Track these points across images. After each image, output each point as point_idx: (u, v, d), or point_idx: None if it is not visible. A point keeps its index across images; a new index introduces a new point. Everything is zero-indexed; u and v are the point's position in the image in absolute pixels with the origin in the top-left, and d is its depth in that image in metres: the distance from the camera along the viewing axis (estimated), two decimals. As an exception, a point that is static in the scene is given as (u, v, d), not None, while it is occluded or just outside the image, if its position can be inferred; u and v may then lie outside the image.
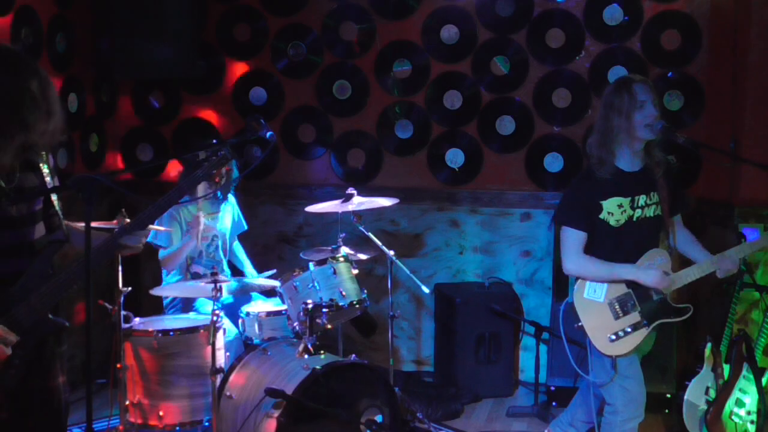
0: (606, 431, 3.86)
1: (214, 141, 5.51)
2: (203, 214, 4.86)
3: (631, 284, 3.78)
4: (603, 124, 3.77)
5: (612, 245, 3.77)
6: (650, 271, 3.72)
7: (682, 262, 3.97)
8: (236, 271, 5.28)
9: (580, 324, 3.76)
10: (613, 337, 3.74)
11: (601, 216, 3.75)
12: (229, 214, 5.14)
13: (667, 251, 3.85)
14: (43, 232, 2.97)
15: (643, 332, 3.76)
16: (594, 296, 3.78)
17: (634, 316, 3.76)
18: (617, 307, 3.77)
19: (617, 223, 3.76)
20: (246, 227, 5.29)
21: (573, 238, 3.78)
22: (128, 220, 3.34)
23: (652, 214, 3.81)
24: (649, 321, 3.77)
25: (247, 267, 5.28)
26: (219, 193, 4.94)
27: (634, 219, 3.78)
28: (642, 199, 3.79)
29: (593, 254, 3.78)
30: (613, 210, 3.75)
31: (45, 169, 2.95)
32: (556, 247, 5.62)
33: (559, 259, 3.89)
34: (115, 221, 4.13)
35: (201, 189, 4.79)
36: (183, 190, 3.18)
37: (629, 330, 3.75)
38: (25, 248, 2.90)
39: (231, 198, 5.17)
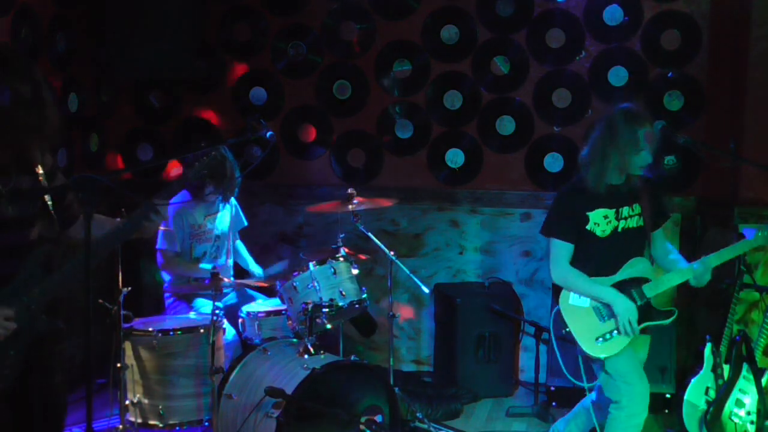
0: (612, 427, 3.90)
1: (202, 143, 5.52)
2: (209, 218, 4.91)
3: (614, 288, 3.85)
4: (600, 152, 3.81)
5: (598, 254, 3.87)
6: (626, 302, 3.79)
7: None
8: (241, 271, 5.28)
9: (567, 330, 3.86)
10: (600, 340, 3.82)
11: (588, 227, 3.86)
12: (228, 212, 5.14)
13: (650, 260, 3.94)
14: (39, 234, 2.98)
15: (629, 335, 3.82)
16: (579, 302, 3.89)
17: None
18: (601, 310, 3.86)
19: (603, 234, 3.87)
20: (246, 223, 5.28)
21: (560, 250, 3.90)
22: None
23: (634, 225, 3.92)
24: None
25: (251, 265, 5.28)
26: (220, 197, 4.94)
27: (619, 229, 3.89)
28: (625, 211, 3.90)
29: (580, 263, 3.88)
30: (599, 221, 3.86)
31: (40, 171, 2.96)
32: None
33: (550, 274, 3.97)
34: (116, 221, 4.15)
35: (209, 192, 4.81)
36: (174, 190, 3.19)
37: (615, 333, 3.83)
38: (24, 249, 2.90)
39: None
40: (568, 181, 4.12)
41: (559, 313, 3.89)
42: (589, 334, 3.83)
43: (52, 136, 2.92)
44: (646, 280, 3.88)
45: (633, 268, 3.88)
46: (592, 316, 3.85)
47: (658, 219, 4.02)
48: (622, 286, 3.85)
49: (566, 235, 3.88)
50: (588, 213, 3.85)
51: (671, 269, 3.94)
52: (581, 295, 3.86)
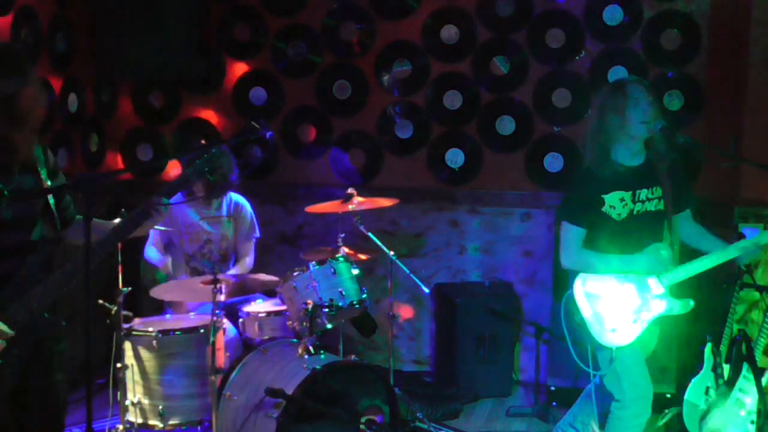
0: (614, 426, 3.86)
1: (202, 141, 5.52)
2: (203, 219, 4.91)
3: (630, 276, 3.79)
4: (598, 123, 3.79)
5: (613, 238, 3.79)
6: (648, 258, 3.74)
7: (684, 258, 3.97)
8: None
9: (580, 317, 3.77)
10: (614, 328, 3.75)
11: (604, 209, 3.77)
12: (227, 220, 5.11)
13: (670, 246, 3.86)
14: (40, 234, 2.98)
15: (644, 324, 3.78)
16: (593, 288, 3.79)
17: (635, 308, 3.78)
18: (617, 299, 3.77)
19: (619, 217, 3.78)
20: (259, 234, 5.25)
21: (572, 234, 3.82)
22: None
23: (653, 209, 3.82)
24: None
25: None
26: (212, 194, 4.94)
27: (635, 212, 3.79)
28: (643, 193, 3.80)
29: (595, 247, 3.81)
30: (615, 204, 3.77)
31: (43, 172, 2.96)
32: (557, 247, 5.63)
33: (559, 259, 3.90)
34: (116, 220, 4.15)
35: (199, 189, 4.81)
36: (174, 189, 3.20)
37: (629, 321, 3.76)
38: (26, 249, 2.91)
39: (241, 201, 5.16)
40: (582, 165, 4.03)
41: (571, 299, 3.81)
42: (601, 323, 3.75)
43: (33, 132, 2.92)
44: (663, 269, 3.78)
45: (650, 255, 3.78)
46: (606, 304, 3.77)
47: (683, 202, 3.92)
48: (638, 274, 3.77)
49: (578, 219, 3.79)
50: (603, 196, 3.76)
51: (709, 250, 3.83)
52: (598, 274, 3.77)
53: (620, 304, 3.77)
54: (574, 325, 3.83)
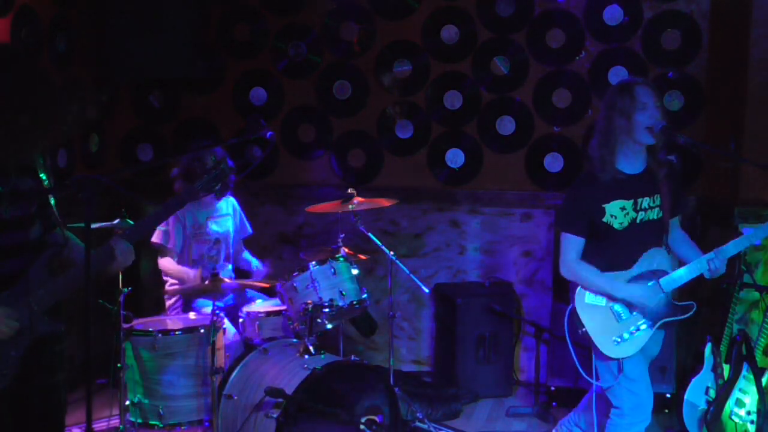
0: None
1: (208, 142, 5.51)
2: (210, 219, 4.91)
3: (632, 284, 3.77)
4: (604, 124, 3.75)
5: (614, 247, 3.75)
6: (638, 289, 3.70)
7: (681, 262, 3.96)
8: (245, 275, 5.26)
9: (584, 330, 3.75)
10: (618, 339, 3.73)
11: (604, 219, 3.73)
12: (231, 218, 5.13)
13: (668, 251, 3.85)
14: (39, 233, 2.98)
15: (648, 332, 3.75)
16: (595, 300, 3.76)
17: (637, 317, 3.75)
18: (619, 309, 3.75)
19: (621, 226, 3.74)
20: (251, 231, 5.26)
21: (571, 244, 3.78)
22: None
23: (655, 217, 3.78)
24: (653, 321, 3.75)
25: (254, 264, 5.27)
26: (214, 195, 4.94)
27: (637, 221, 3.76)
28: (645, 202, 3.77)
29: (595, 256, 3.77)
30: (617, 213, 3.73)
31: (42, 174, 2.96)
32: (557, 247, 5.63)
33: (559, 264, 3.89)
34: (116, 221, 4.15)
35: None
36: (184, 201, 3.21)
37: (634, 331, 3.73)
38: (24, 249, 2.91)
39: (234, 203, 5.17)
40: (582, 172, 3.99)
41: (574, 312, 3.77)
42: (606, 335, 3.72)
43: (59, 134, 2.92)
44: (663, 273, 3.75)
45: (650, 260, 3.75)
46: (609, 315, 3.74)
47: (677, 208, 3.89)
48: (639, 280, 3.74)
49: (577, 228, 3.75)
50: (604, 205, 3.72)
51: (685, 259, 3.81)
52: (591, 292, 3.74)
53: (622, 314, 3.74)
54: (578, 338, 3.80)
